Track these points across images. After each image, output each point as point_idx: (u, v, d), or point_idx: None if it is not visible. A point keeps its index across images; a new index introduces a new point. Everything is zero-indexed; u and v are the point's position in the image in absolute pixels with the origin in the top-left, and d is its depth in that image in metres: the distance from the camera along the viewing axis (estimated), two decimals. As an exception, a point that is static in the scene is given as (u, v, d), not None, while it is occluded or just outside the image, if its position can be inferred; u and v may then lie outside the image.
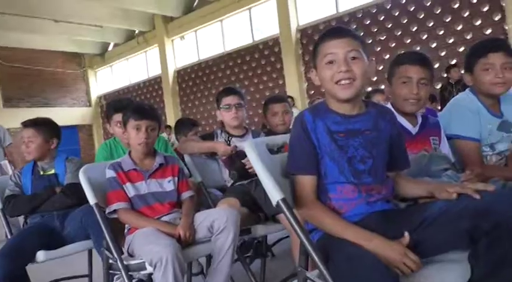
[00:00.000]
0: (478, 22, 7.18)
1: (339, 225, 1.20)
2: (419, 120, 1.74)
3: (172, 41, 12.72)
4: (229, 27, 11.32)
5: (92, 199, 1.75)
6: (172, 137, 7.58)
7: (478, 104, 1.79)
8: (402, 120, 1.69)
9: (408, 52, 1.78)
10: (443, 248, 1.20)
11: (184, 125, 3.37)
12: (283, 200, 1.18)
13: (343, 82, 1.24)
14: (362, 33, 8.46)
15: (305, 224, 1.34)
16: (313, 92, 9.31)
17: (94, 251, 2.20)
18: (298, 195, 1.27)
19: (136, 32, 13.62)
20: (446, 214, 1.17)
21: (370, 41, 8.39)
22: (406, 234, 1.13)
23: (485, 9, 7.08)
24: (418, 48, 7.77)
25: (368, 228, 1.17)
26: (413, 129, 1.70)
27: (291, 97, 8.82)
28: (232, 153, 2.19)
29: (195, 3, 11.81)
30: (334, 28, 1.31)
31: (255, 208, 2.09)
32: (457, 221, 1.13)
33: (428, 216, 1.20)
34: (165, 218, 1.83)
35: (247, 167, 2.12)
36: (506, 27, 6.83)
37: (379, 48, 8.30)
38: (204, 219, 1.78)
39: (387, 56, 8.09)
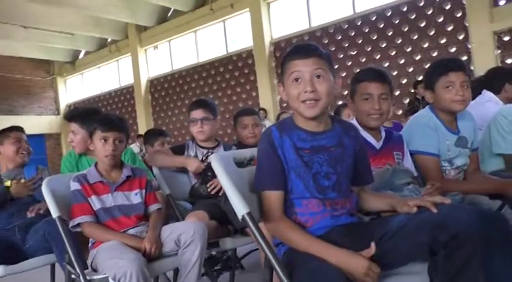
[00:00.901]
0: (443, 40, 7.48)
1: (304, 240, 1.21)
2: (383, 135, 1.79)
3: (145, 50, 12.61)
4: (203, 38, 11.34)
5: (54, 212, 1.70)
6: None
7: (436, 121, 1.86)
8: (367, 135, 1.74)
9: (366, 69, 1.83)
10: (404, 260, 1.23)
11: (152, 135, 3.30)
12: (249, 214, 1.19)
13: (307, 102, 1.27)
14: (334, 48, 8.66)
15: (272, 238, 1.35)
16: (285, 104, 9.42)
17: (57, 266, 2.13)
18: (265, 211, 1.28)
19: (109, 40, 13.44)
20: (406, 227, 1.21)
21: (341, 56, 8.59)
22: (373, 244, 1.15)
23: (450, 28, 7.40)
24: (387, 64, 8.03)
25: (333, 242, 1.20)
26: (378, 144, 1.75)
27: (264, 109, 8.89)
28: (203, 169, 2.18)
29: (169, 13, 11.79)
30: (301, 46, 1.33)
31: (224, 221, 2.08)
32: (416, 233, 1.17)
33: (390, 229, 1.24)
34: (131, 231, 1.80)
35: (210, 186, 2.12)
36: (469, 46, 7.15)
37: (350, 63, 8.51)
38: (171, 232, 1.76)
39: (357, 70, 8.28)
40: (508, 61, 6.85)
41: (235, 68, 10.47)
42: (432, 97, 1.87)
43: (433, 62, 1.96)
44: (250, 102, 10.03)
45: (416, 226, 1.18)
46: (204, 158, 2.27)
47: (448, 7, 7.34)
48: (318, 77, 1.27)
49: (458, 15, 7.25)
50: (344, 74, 8.10)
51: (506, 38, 6.85)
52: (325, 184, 1.29)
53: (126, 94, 13.51)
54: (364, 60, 8.36)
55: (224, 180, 1.24)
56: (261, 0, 9.55)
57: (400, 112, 6.85)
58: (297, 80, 1.28)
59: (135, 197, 1.90)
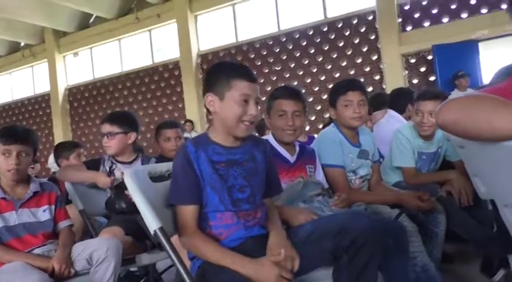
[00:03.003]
0: (359, 60, 8.05)
1: (216, 252, 1.24)
2: (297, 149, 1.89)
3: (64, 56, 11.90)
4: (128, 47, 11.01)
5: None
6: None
7: (340, 136, 2.02)
8: (281, 149, 1.83)
9: (282, 87, 1.96)
10: (311, 266, 1.32)
11: (66, 148, 3.09)
12: (161, 229, 1.19)
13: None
14: (259, 63, 8.90)
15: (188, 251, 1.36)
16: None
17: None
18: (180, 225, 1.29)
19: (22, 44, 12.47)
20: (312, 235, 1.32)
21: (266, 71, 8.85)
22: (283, 251, 1.22)
23: (365, 49, 7.99)
24: (309, 80, 8.43)
25: (246, 253, 1.24)
26: (292, 158, 1.84)
27: (191, 121, 8.83)
28: (113, 185, 2.10)
29: (91, 20, 11.28)
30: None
31: (141, 236, 2.03)
32: (322, 240, 1.28)
33: (298, 238, 1.33)
34: (37, 251, 1.70)
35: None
36: (381, 66, 7.78)
37: (275, 78, 8.79)
38: (82, 250, 1.69)
39: (274, 89, 8.57)
40: (414, 81, 7.55)
41: (161, 78, 10.29)
42: (335, 114, 2.03)
43: (335, 83, 2.13)
44: (177, 113, 9.90)
45: (321, 233, 1.29)
46: (110, 172, 2.19)
47: (363, 30, 7.93)
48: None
49: (372, 37, 7.85)
50: (269, 89, 8.33)
51: (413, 60, 7.55)
52: (240, 197, 1.34)
53: (41, 103, 12.58)
54: (288, 75, 8.69)
55: (136, 196, 1.23)
56: (189, 12, 9.55)
57: (321, 126, 7.20)
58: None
59: (43, 213, 1.79)
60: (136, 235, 2.02)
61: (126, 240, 1.93)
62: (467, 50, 6.77)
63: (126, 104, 10.69)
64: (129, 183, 1.25)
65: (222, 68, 1.37)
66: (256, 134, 3.95)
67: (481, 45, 6.85)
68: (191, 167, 1.29)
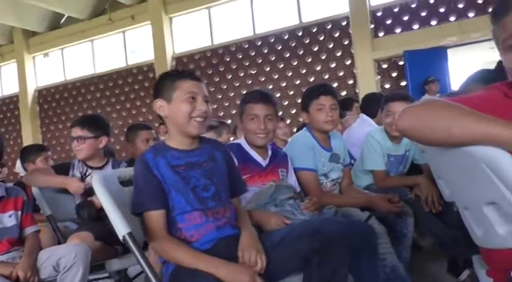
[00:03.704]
0: (333, 65, 8.17)
1: (189, 256, 1.23)
2: (270, 152, 1.90)
3: (33, 57, 11.57)
4: (101, 49, 10.80)
5: None
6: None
7: (312, 140, 2.06)
8: (254, 153, 1.84)
9: (253, 91, 1.98)
10: (284, 271, 1.33)
11: (32, 151, 2.99)
12: (130, 234, 1.17)
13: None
14: (235, 66, 8.91)
15: (159, 257, 1.35)
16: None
17: None
18: (149, 231, 1.28)
19: (-11, 44, 12.06)
20: (285, 239, 1.33)
21: (242, 74, 8.86)
22: (264, 257, 1.24)
23: (339, 54, 8.11)
24: (284, 84, 8.49)
25: (219, 255, 1.24)
26: (264, 162, 1.85)
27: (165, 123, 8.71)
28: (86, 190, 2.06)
29: (63, 20, 11.01)
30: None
31: (112, 241, 1.99)
32: (294, 243, 1.29)
33: (272, 241, 1.34)
34: (1, 258, 1.64)
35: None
36: (355, 71, 7.91)
37: (250, 81, 8.81)
38: (49, 257, 1.64)
39: (245, 93, 8.60)
40: (387, 86, 7.72)
41: (135, 80, 10.14)
42: (308, 118, 2.05)
43: (307, 88, 2.17)
44: (151, 116, 9.76)
45: (294, 237, 1.31)
46: (83, 177, 2.15)
47: (337, 35, 8.06)
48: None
49: (346, 42, 7.99)
50: (245, 92, 8.34)
51: (385, 66, 7.72)
52: (205, 195, 1.35)
53: (9, 104, 12.17)
54: (263, 79, 8.72)
55: (104, 201, 1.21)
56: (163, 14, 9.46)
57: (295, 129, 7.26)
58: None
59: (9, 219, 1.73)
60: (106, 240, 1.98)
61: (96, 245, 1.88)
62: (437, 56, 6.98)
63: (98, 106, 10.47)
64: (98, 187, 1.23)
65: (166, 75, 1.43)
66: (232, 138, 3.96)
67: (449, 51, 7.09)
68: (151, 173, 1.31)
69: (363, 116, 3.29)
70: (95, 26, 10.34)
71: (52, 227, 2.03)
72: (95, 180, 1.24)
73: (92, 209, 2.04)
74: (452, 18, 7.05)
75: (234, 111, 8.70)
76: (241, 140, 1.89)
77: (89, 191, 2.04)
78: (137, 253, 1.16)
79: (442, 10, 7.14)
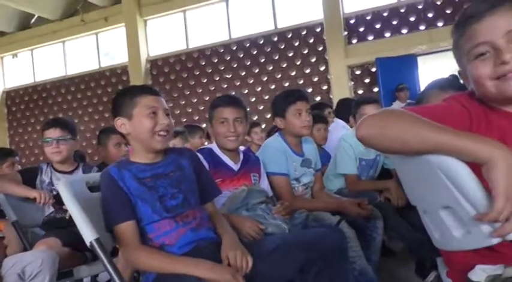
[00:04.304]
0: (308, 70, 8.27)
1: (167, 260, 1.22)
2: (242, 157, 1.91)
3: (1, 58, 11.21)
4: (73, 50, 10.57)
5: None
6: None
7: (284, 145, 2.08)
8: (225, 157, 1.84)
9: (221, 96, 1.99)
10: (276, 279, 1.31)
11: None
12: (97, 240, 1.16)
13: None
14: (210, 70, 8.89)
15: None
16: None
17: None
18: (121, 244, 1.27)
19: (-46, 43, 11.60)
20: (280, 247, 1.32)
21: (217, 78, 8.85)
22: (250, 259, 1.25)
23: (313, 60, 8.22)
24: (259, 89, 8.53)
25: (200, 258, 1.22)
26: (235, 166, 1.86)
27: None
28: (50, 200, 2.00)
29: (33, 20, 10.72)
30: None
31: (81, 247, 1.95)
32: (291, 253, 1.28)
33: (265, 250, 1.33)
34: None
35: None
36: (329, 77, 8.04)
37: (225, 86, 8.81)
38: (13, 265, 1.59)
39: (232, 93, 8.63)
40: (360, 92, 7.87)
41: (108, 83, 9.97)
42: (283, 124, 2.07)
43: (279, 93, 2.19)
44: (124, 120, 9.61)
45: (291, 246, 1.31)
46: (52, 183, 2.10)
47: (311, 41, 8.17)
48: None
49: (320, 48, 8.11)
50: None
51: (358, 72, 7.88)
52: (173, 204, 1.35)
53: (-25, 106, 11.75)
54: (238, 83, 8.74)
55: (71, 206, 1.19)
56: (138, 17, 9.36)
57: (266, 133, 7.29)
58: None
59: (-29, 226, 1.67)
60: (75, 246, 1.93)
61: (64, 251, 1.84)
62: (407, 63, 7.18)
63: (69, 109, 10.24)
64: (64, 193, 1.20)
65: (124, 92, 1.43)
66: (206, 143, 3.95)
67: (419, 59, 7.31)
68: (117, 186, 1.30)
69: (337, 121, 3.35)
70: (66, 27, 10.11)
71: (17, 233, 1.97)
72: (61, 186, 1.22)
73: (61, 213, 2.00)
74: (422, 27, 7.28)
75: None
76: (213, 145, 1.89)
77: (58, 197, 1.99)
78: (105, 259, 1.14)
79: (412, 19, 7.36)
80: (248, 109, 8.76)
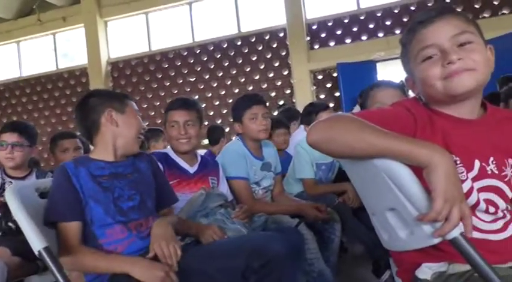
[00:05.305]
0: (271, 74, 8.35)
1: (103, 260, 1.21)
2: (199, 159, 1.91)
3: (-50, 57, 10.60)
4: (29, 51, 10.14)
5: None
6: None
7: (244, 148, 2.09)
8: (180, 160, 1.84)
9: (174, 99, 1.98)
10: None
11: None
12: (46, 249, 1.11)
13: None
14: (173, 73, 8.80)
15: (86, 275, 1.29)
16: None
17: None
18: (61, 244, 1.23)
19: None
20: (223, 251, 1.32)
21: (181, 81, 8.77)
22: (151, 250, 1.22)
23: (277, 64, 8.31)
24: (223, 92, 8.52)
25: None
26: (191, 169, 1.86)
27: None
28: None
29: (-15, 19, 10.22)
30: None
31: (32, 256, 1.87)
32: (233, 258, 1.27)
33: (208, 252, 1.34)
34: None
35: None
36: (292, 81, 8.15)
37: (189, 89, 8.73)
38: (-44, 276, 1.50)
39: (196, 97, 8.58)
40: (322, 96, 8.02)
41: (66, 85, 9.64)
42: (241, 128, 2.08)
43: (237, 98, 2.21)
44: (83, 123, 9.31)
45: (233, 251, 1.30)
46: (3, 188, 2.02)
47: (275, 45, 8.26)
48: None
49: (283, 53, 8.21)
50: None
51: (320, 77, 8.04)
52: (130, 205, 1.33)
53: None
54: (202, 87, 8.68)
55: (18, 213, 1.14)
56: (98, 17, 9.11)
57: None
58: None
59: None
60: (26, 255, 1.85)
61: (13, 261, 1.75)
62: (367, 69, 7.40)
63: (24, 111, 9.81)
64: (10, 199, 1.15)
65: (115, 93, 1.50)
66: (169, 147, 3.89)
67: (378, 65, 7.54)
68: (70, 182, 1.27)
69: (301, 127, 3.40)
70: (21, 27, 9.71)
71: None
72: (8, 192, 1.17)
73: (10, 221, 1.91)
74: (380, 35, 7.54)
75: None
76: (168, 149, 1.89)
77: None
78: (54, 269, 1.09)
79: (371, 26, 7.61)
80: (212, 113, 8.73)
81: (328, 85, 7.95)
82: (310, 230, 1.92)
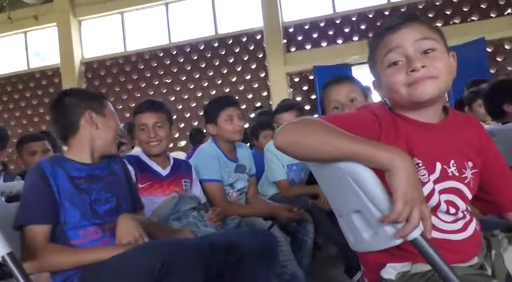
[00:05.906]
0: (248, 76, 8.37)
1: (74, 254, 1.21)
2: (172, 162, 1.90)
3: None
4: (-1, 49, 9.85)
5: None
6: None
7: (218, 151, 2.09)
8: (152, 163, 1.83)
9: (142, 102, 1.96)
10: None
11: None
12: (10, 254, 1.07)
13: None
14: (149, 75, 8.70)
15: (54, 276, 1.26)
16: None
17: None
18: (27, 247, 1.20)
19: None
20: (200, 249, 1.31)
21: (157, 83, 8.68)
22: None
23: (254, 66, 8.34)
24: (200, 94, 8.48)
25: None
26: (164, 171, 1.85)
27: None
28: None
29: (-48, 16, 9.85)
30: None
31: (-2, 262, 1.82)
32: (207, 255, 1.27)
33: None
34: None
35: None
36: (269, 83, 8.19)
37: (165, 90, 8.65)
38: None
39: (172, 98, 8.51)
40: (298, 98, 8.09)
41: (38, 86, 9.39)
42: (215, 130, 2.08)
43: (210, 100, 2.21)
44: (56, 124, 9.09)
45: (208, 248, 1.29)
46: None
47: (252, 48, 8.29)
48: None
49: (260, 55, 8.25)
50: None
51: (296, 79, 8.12)
52: (106, 208, 1.32)
53: None
54: (179, 88, 8.62)
55: (-19, 219, 1.10)
56: (71, 17, 8.93)
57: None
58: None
59: None
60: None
61: (-23, 268, 1.70)
62: (343, 72, 7.49)
63: (-7, 112, 9.51)
64: (-27, 205, 1.11)
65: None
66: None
67: (354, 68, 7.67)
68: (46, 183, 1.24)
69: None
70: (-9, 25, 9.41)
71: None
72: (-30, 197, 1.13)
73: None
74: (355, 38, 7.68)
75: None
76: (140, 152, 1.88)
77: None
78: (18, 275, 1.06)
79: (347, 30, 7.74)
80: (188, 114, 8.64)
81: (305, 88, 8.03)
82: (283, 232, 1.94)
